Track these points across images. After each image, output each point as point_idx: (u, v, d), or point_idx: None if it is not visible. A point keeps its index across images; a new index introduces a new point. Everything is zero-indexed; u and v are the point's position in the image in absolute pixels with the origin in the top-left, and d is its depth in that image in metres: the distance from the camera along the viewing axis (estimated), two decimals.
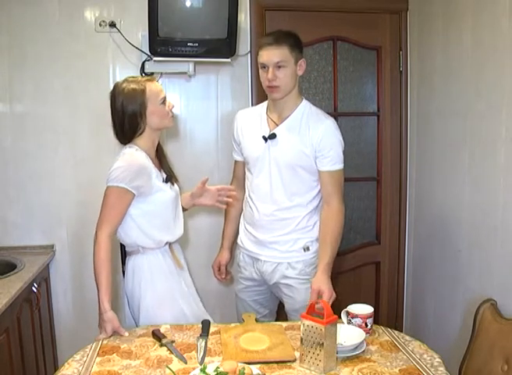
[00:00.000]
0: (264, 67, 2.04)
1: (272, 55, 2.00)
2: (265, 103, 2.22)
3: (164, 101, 1.94)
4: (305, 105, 2.14)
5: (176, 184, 2.07)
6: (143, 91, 1.88)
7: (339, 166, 2.10)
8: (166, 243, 1.99)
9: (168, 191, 1.97)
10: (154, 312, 1.94)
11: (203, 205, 2.22)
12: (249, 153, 2.19)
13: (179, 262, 2.03)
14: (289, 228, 2.14)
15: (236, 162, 2.36)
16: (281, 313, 2.38)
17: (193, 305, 2.04)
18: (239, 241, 2.30)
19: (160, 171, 1.99)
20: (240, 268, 2.30)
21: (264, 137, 2.11)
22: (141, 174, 1.87)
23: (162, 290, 1.96)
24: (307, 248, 2.15)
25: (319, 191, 2.15)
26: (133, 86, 1.89)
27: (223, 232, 2.40)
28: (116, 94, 1.90)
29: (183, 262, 2.11)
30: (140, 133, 1.92)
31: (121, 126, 1.91)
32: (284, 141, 2.09)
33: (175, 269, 2.01)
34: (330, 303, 1.96)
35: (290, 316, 2.23)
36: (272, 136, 2.10)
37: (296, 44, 2.04)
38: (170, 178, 2.02)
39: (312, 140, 2.06)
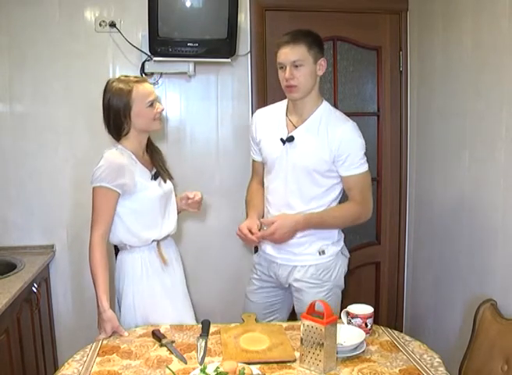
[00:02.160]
0: (282, 67, 1.99)
1: (288, 54, 1.96)
2: (285, 102, 2.15)
3: (152, 104, 1.93)
4: (325, 106, 2.08)
5: (169, 182, 2.07)
6: (129, 92, 1.89)
7: (362, 168, 2.03)
8: (153, 241, 1.99)
9: (155, 189, 1.97)
10: (136, 310, 1.94)
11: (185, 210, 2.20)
12: (267, 154, 2.13)
13: (164, 258, 2.01)
14: (305, 231, 2.07)
15: (254, 161, 2.29)
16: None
17: (178, 304, 2.02)
18: (258, 244, 2.24)
19: (150, 168, 2.00)
20: (256, 270, 2.26)
21: (282, 140, 2.06)
22: (122, 172, 1.87)
23: (145, 288, 1.96)
24: (322, 252, 2.10)
25: (337, 196, 2.10)
26: (121, 85, 1.90)
27: (248, 203, 2.26)
28: (106, 90, 1.93)
29: (175, 259, 2.10)
30: (126, 134, 1.94)
31: (108, 122, 1.94)
32: (302, 144, 2.03)
33: (160, 266, 2.00)
34: (263, 237, 2.01)
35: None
36: (290, 138, 2.04)
37: (315, 43, 1.98)
38: (160, 175, 2.02)
39: (330, 145, 1.99)
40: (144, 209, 1.96)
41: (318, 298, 1.96)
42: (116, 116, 1.90)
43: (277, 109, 2.17)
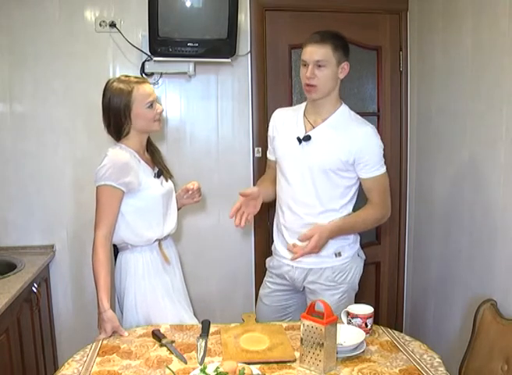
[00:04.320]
0: (305, 64, 1.98)
1: (313, 52, 1.95)
2: (304, 104, 2.15)
3: (151, 105, 1.93)
4: (344, 109, 2.08)
5: (169, 180, 2.07)
6: (129, 93, 1.89)
7: (381, 171, 2.03)
8: (155, 240, 1.99)
9: (158, 187, 1.98)
10: (137, 309, 1.94)
11: (186, 205, 2.21)
12: (281, 153, 2.12)
13: (166, 257, 2.02)
14: None
15: (268, 160, 2.29)
16: None
17: (177, 304, 2.02)
18: (273, 247, 2.23)
19: (152, 167, 2.00)
20: (271, 273, 2.24)
21: (298, 139, 2.04)
22: (127, 170, 1.87)
23: (146, 288, 1.96)
24: (338, 254, 2.08)
25: (353, 197, 2.09)
26: (121, 85, 1.90)
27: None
28: (106, 90, 1.93)
29: (174, 258, 2.10)
30: (126, 134, 1.94)
31: (108, 123, 1.94)
32: (319, 144, 2.02)
33: (161, 266, 2.00)
34: (306, 252, 1.92)
35: None
36: (307, 138, 2.02)
37: (341, 46, 1.98)
38: (162, 173, 2.02)
39: (350, 147, 1.98)
40: (148, 208, 1.96)
41: (333, 301, 2.01)
42: (116, 117, 1.90)
43: (296, 110, 2.17)
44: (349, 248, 2.10)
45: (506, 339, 1.79)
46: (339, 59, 1.98)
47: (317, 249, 1.94)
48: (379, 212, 2.06)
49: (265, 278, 2.28)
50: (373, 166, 2.01)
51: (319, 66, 1.95)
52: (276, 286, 2.22)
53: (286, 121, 2.15)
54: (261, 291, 2.28)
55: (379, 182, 2.04)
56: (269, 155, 2.27)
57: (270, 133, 2.21)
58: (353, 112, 2.10)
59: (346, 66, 2.01)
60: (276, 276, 2.21)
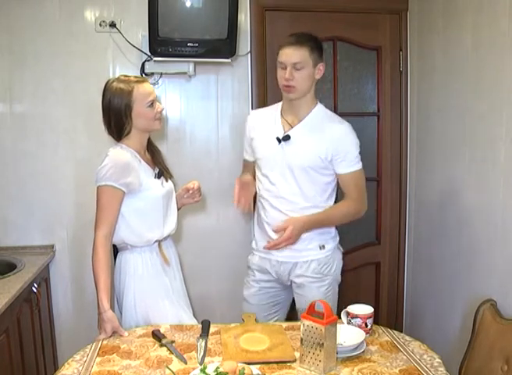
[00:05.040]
0: (283, 66, 2.04)
1: (291, 55, 2.01)
2: (279, 104, 2.21)
3: (152, 104, 1.93)
4: (320, 108, 2.15)
5: (170, 181, 2.07)
6: (129, 92, 1.89)
7: (358, 166, 2.12)
8: (155, 241, 1.99)
9: (159, 187, 1.98)
10: (136, 309, 1.94)
11: (186, 204, 2.22)
12: (261, 154, 2.17)
13: (166, 258, 2.02)
14: None
15: (245, 161, 2.34)
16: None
17: (176, 305, 2.02)
18: (253, 244, 2.27)
19: (152, 167, 2.00)
20: (253, 271, 2.27)
21: (278, 139, 2.10)
22: (128, 171, 1.87)
23: (146, 288, 1.95)
24: (322, 247, 2.17)
25: (332, 193, 2.17)
26: (121, 85, 1.90)
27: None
28: (106, 91, 1.92)
29: (174, 259, 2.10)
30: (127, 133, 1.93)
31: (108, 123, 1.93)
32: (298, 143, 2.09)
33: (161, 267, 2.00)
34: (280, 243, 2.02)
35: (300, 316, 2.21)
36: (286, 137, 2.09)
37: (316, 48, 2.05)
38: (162, 173, 2.02)
39: (328, 144, 2.06)
40: (148, 208, 1.96)
41: (320, 293, 2.13)
42: (117, 117, 1.90)
43: (272, 110, 2.22)
44: (332, 241, 2.20)
45: (506, 339, 1.79)
46: (315, 61, 2.05)
47: (291, 240, 2.04)
48: (355, 207, 2.15)
49: (247, 278, 2.31)
50: (350, 161, 2.10)
51: (297, 68, 2.02)
52: (262, 283, 2.25)
53: (263, 122, 2.21)
54: (246, 292, 2.30)
55: (356, 177, 2.13)
56: (246, 156, 2.32)
57: (248, 134, 2.26)
58: (328, 111, 2.19)
59: (321, 66, 2.09)
60: (260, 273, 2.24)
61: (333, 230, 2.22)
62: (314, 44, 2.05)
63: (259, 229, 2.24)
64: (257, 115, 2.27)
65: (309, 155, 2.08)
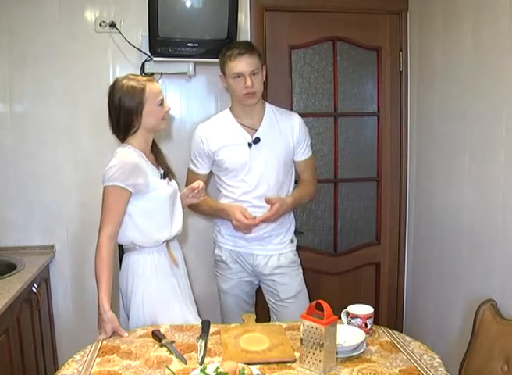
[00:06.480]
0: (239, 76, 2.17)
1: (247, 63, 2.16)
2: (226, 112, 2.34)
3: (161, 103, 1.94)
4: (269, 106, 2.34)
5: (173, 181, 2.07)
6: (142, 90, 1.88)
7: (311, 152, 2.39)
8: (164, 241, 1.99)
9: (165, 188, 1.98)
10: (144, 311, 1.94)
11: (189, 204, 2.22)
12: (233, 163, 2.26)
13: (174, 258, 2.03)
14: (278, 220, 2.29)
15: (196, 175, 2.33)
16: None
17: (184, 307, 2.01)
18: (220, 238, 2.37)
19: (157, 168, 2.00)
20: (227, 264, 2.36)
21: (249, 144, 2.23)
22: (136, 171, 1.87)
23: (154, 289, 1.95)
24: (291, 241, 2.39)
25: (293, 173, 2.38)
26: (132, 83, 1.89)
27: (214, 202, 2.37)
28: (115, 89, 1.90)
29: (180, 260, 2.10)
30: (134, 132, 1.92)
31: (117, 121, 1.92)
32: (268, 142, 2.25)
33: (169, 268, 2.00)
34: (266, 216, 2.18)
35: (281, 307, 2.33)
36: (257, 140, 2.24)
37: (259, 52, 2.25)
38: (167, 174, 2.02)
39: (291, 134, 2.29)
40: (156, 209, 1.95)
41: (298, 280, 2.37)
42: (128, 115, 1.88)
43: (222, 120, 2.33)
44: (293, 236, 2.43)
45: (506, 339, 1.79)
46: (262, 64, 2.25)
47: (274, 217, 2.21)
48: (314, 188, 2.45)
49: (221, 272, 2.41)
50: (307, 148, 2.36)
51: (254, 74, 2.18)
52: (239, 274, 2.37)
53: (220, 132, 2.29)
54: (225, 286, 2.41)
55: (311, 162, 2.41)
56: (199, 170, 2.35)
57: (203, 147, 2.29)
58: (274, 106, 2.37)
59: (264, 68, 2.28)
60: (234, 264, 2.35)
61: (293, 227, 2.43)
62: (257, 49, 2.25)
63: (226, 227, 2.34)
64: (209, 127, 2.33)
65: (281, 150, 2.27)
